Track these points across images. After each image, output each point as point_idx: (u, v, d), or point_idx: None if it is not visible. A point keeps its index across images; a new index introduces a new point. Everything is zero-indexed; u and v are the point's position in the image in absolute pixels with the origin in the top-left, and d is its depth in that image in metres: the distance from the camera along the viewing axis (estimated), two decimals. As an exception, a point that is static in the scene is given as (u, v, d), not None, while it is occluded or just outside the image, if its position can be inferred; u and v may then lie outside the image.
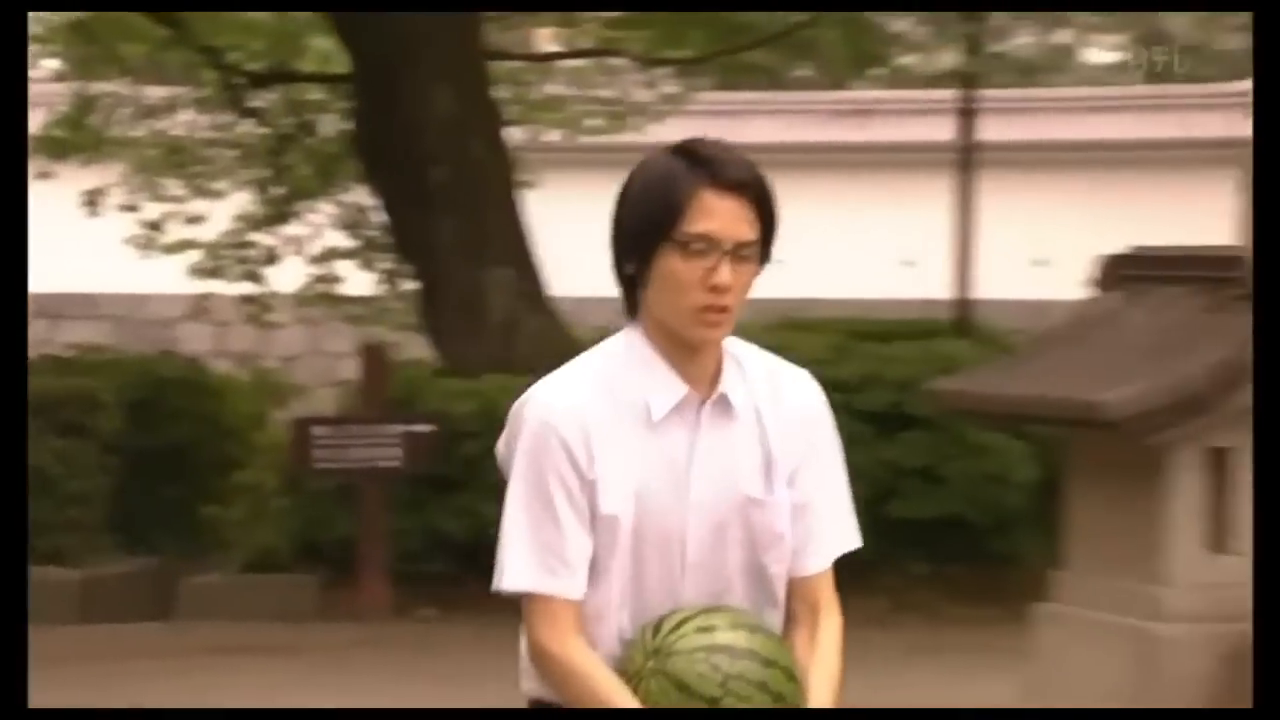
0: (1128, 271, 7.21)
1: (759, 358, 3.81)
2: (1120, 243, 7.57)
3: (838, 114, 27.64)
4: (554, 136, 18.35)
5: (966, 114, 18.41)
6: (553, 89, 17.83)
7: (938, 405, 9.90)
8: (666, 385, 3.67)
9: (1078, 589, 7.17)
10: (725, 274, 3.58)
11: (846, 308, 18.56)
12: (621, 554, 3.65)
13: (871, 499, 13.13)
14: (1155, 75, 33.34)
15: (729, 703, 3.50)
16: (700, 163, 3.63)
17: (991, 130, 20.27)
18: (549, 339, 14.60)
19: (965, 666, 10.22)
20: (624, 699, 3.56)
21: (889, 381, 13.07)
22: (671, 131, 23.52)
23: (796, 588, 3.79)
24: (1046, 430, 9.49)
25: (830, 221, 26.07)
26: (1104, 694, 6.80)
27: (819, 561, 3.81)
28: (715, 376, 3.71)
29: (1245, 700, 5.31)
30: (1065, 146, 26.59)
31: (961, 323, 17.17)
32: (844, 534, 3.87)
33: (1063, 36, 30.48)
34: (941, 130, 21.20)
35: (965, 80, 18.56)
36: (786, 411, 3.78)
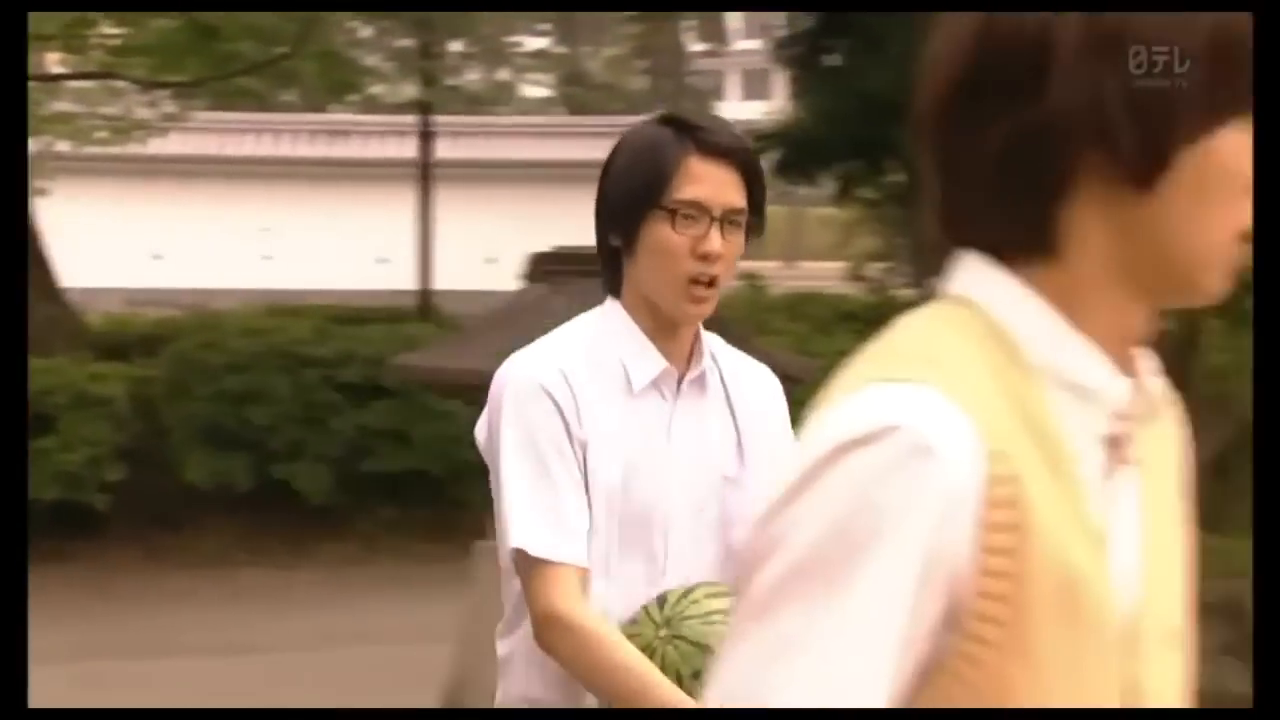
0: (552, 266, 7.23)
1: (727, 348, 3.27)
2: (551, 243, 7.62)
3: (317, 133, 27.77)
4: (64, 147, 17.69)
5: (425, 135, 18.66)
6: (61, 106, 17.15)
7: (402, 377, 9.93)
8: (646, 357, 3.11)
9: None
10: (715, 241, 3.01)
11: (328, 296, 18.37)
12: (610, 523, 3.07)
13: (348, 457, 13.12)
14: (577, 107, 34.28)
15: None
16: (687, 130, 3.09)
17: (448, 150, 20.51)
18: (60, 324, 14.21)
19: (426, 595, 10.25)
20: (646, 665, 2.95)
21: (363, 358, 12.93)
22: (173, 145, 22.95)
23: None
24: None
25: (314, 225, 26.28)
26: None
27: None
28: (692, 355, 3.16)
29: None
30: (509, 164, 27.47)
31: (424, 309, 17.25)
32: None
33: (504, 74, 30.95)
34: (406, 149, 21.34)
35: (424, 108, 18.73)
36: (753, 399, 3.24)
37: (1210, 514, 9.07)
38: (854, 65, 13.00)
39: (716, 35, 46.71)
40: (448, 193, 20.62)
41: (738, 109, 45.17)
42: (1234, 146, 1.57)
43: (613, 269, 3.14)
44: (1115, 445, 1.61)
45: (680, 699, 2.87)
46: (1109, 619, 1.56)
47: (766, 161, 15.93)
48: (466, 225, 23.50)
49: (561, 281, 7.22)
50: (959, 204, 1.62)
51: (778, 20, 15.19)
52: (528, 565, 3.03)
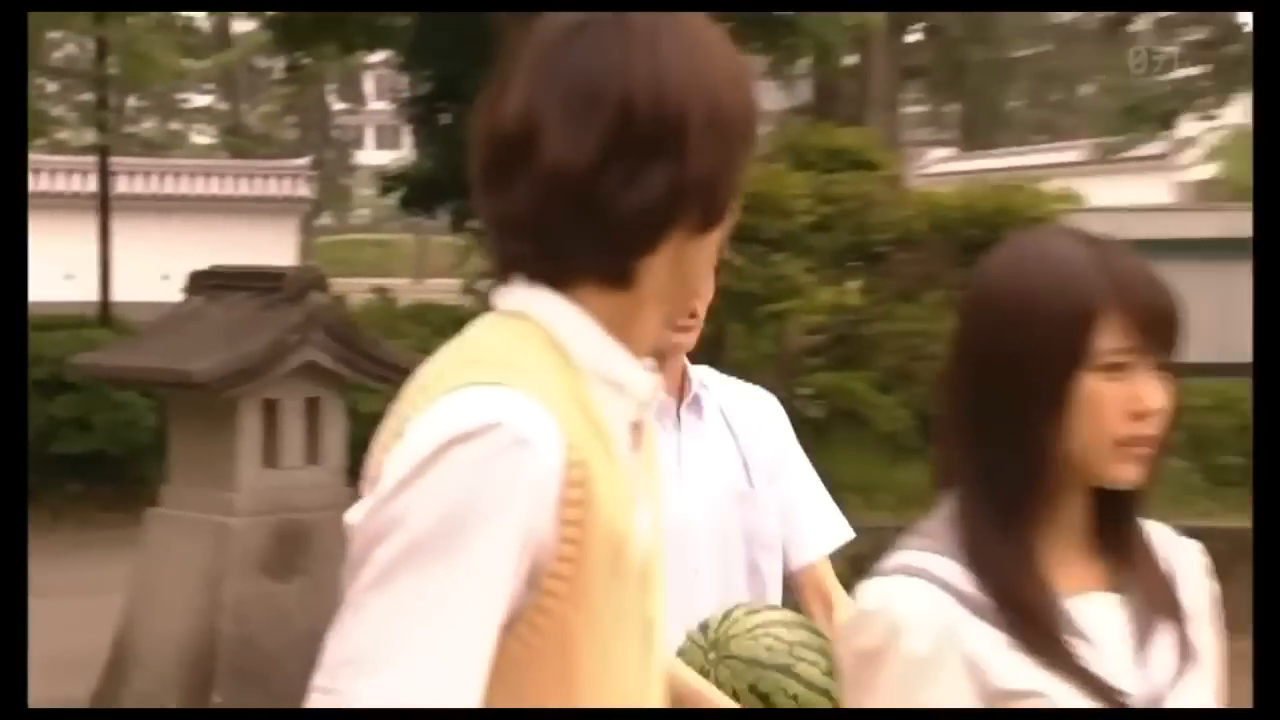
0: (208, 282, 7.33)
1: (712, 372, 2.96)
2: (212, 263, 7.67)
3: (14, 171, 26.94)
4: None
5: (104, 173, 18.30)
6: None
7: (84, 374, 9.90)
8: None
9: (176, 497, 7.14)
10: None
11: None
12: None
13: (37, 442, 12.89)
14: (237, 152, 34.13)
15: (801, 668, 2.57)
16: None
17: (128, 185, 20.22)
18: None
19: (106, 558, 10.08)
20: (704, 685, 2.60)
21: (50, 358, 12.77)
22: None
23: (805, 580, 2.90)
24: (160, 389, 9.50)
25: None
26: (194, 571, 6.77)
27: (816, 549, 2.92)
28: (682, 384, 2.85)
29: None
30: (181, 198, 26.93)
31: (104, 317, 16.97)
32: (834, 526, 2.98)
33: (176, 124, 30.73)
34: (90, 184, 20.98)
35: (103, 150, 18.45)
36: (750, 417, 2.92)
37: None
38: (462, 121, 13.32)
39: (355, 96, 46.53)
40: (130, 220, 20.40)
41: (372, 156, 45.26)
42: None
43: None
44: (637, 428, 1.64)
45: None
46: (636, 567, 1.58)
47: (395, 198, 16.28)
48: (145, 247, 23.15)
49: (217, 295, 7.35)
50: (560, 240, 1.58)
51: (402, 84, 15.34)
52: None
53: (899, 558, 1.83)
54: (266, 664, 6.68)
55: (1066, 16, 34.50)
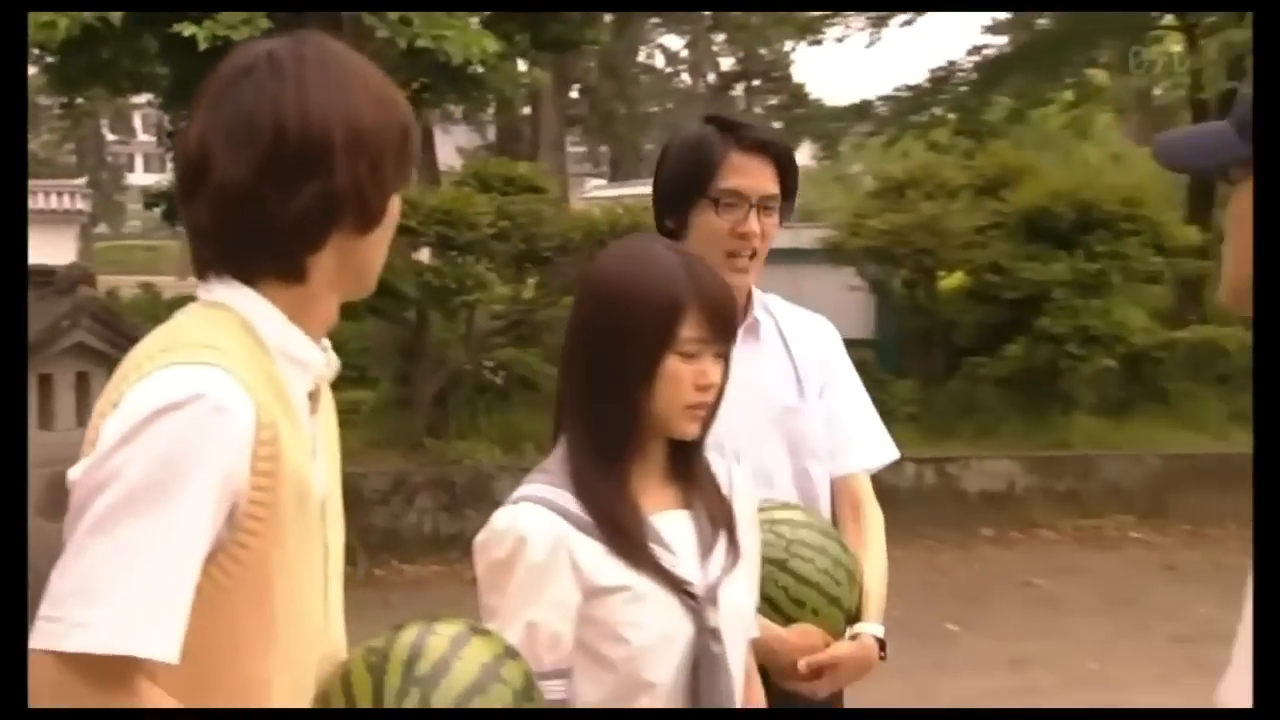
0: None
1: (784, 302, 2.64)
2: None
3: None
4: None
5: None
6: None
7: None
8: None
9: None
10: (753, 223, 2.42)
11: None
12: None
13: None
14: (27, 172, 31.96)
15: (794, 564, 2.28)
16: (728, 128, 2.45)
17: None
18: None
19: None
20: None
21: None
22: None
23: (839, 489, 2.57)
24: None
25: None
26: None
27: (855, 462, 2.58)
28: (744, 312, 2.50)
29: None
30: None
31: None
32: (878, 445, 2.63)
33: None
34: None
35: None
36: (808, 340, 2.59)
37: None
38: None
39: (126, 130, 44.51)
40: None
41: (140, 178, 43.20)
42: (397, 201, 1.61)
43: None
44: (313, 396, 1.62)
45: None
46: (315, 504, 1.57)
47: (159, 212, 15.46)
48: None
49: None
50: (237, 245, 1.54)
51: (165, 120, 14.59)
52: None
53: (523, 489, 1.90)
54: (38, 582, 6.28)
55: (686, 81, 35.33)
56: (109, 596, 1.38)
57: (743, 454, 2.37)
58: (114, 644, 1.37)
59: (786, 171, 2.44)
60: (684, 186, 2.43)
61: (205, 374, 1.45)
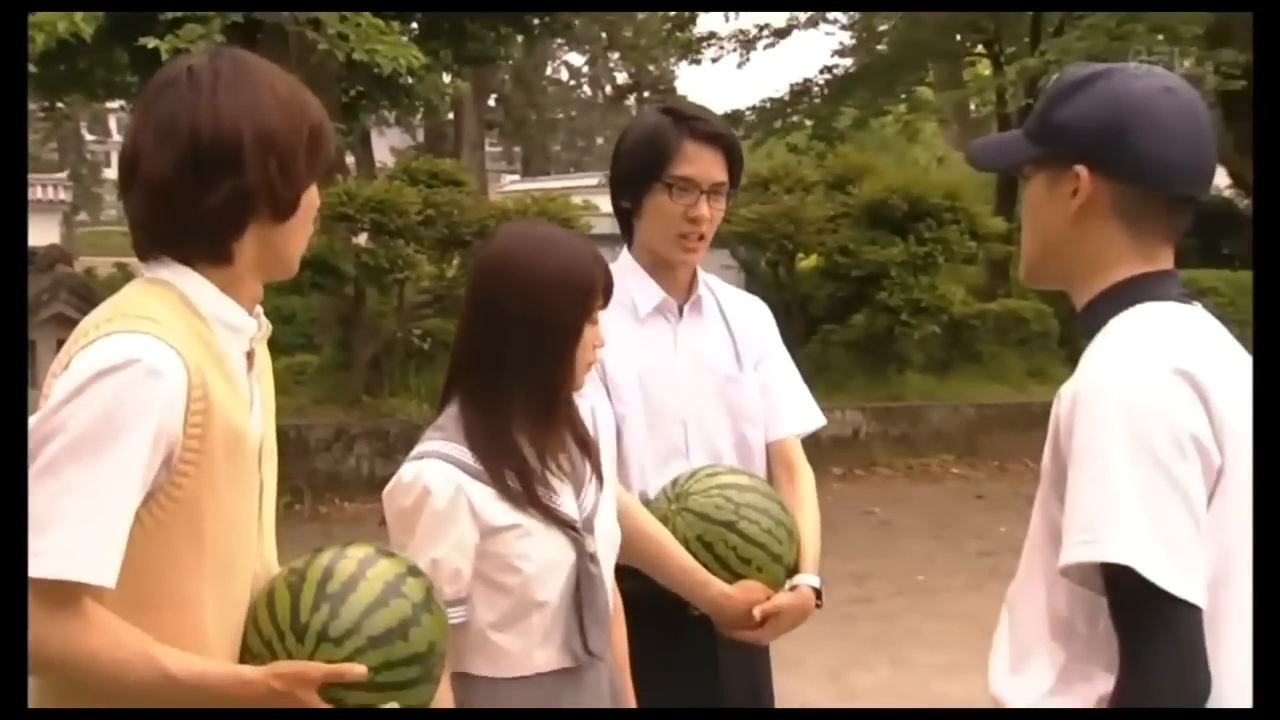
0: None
1: (722, 284, 2.45)
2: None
3: None
4: None
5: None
6: None
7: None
8: (648, 291, 2.29)
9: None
10: (703, 208, 2.23)
11: None
12: (636, 421, 2.23)
13: None
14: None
15: (743, 525, 2.13)
16: (683, 119, 2.25)
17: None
18: None
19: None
20: (661, 532, 2.13)
21: None
22: None
23: (774, 452, 2.36)
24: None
25: None
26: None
27: (788, 427, 2.37)
28: (690, 289, 2.34)
29: None
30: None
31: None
32: (807, 412, 2.42)
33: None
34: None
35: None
36: (744, 316, 2.40)
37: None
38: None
39: (103, 130, 42.89)
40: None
41: (115, 173, 41.35)
42: (313, 194, 1.58)
43: (625, 225, 2.34)
44: (249, 357, 1.59)
45: (684, 559, 2.12)
46: (250, 448, 1.54)
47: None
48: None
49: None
50: (165, 231, 1.52)
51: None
52: None
53: (424, 446, 1.85)
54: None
55: (586, 92, 35.02)
56: (55, 530, 1.36)
57: (689, 421, 2.26)
58: (59, 570, 1.37)
59: (734, 161, 2.27)
60: (640, 171, 2.25)
61: (141, 341, 1.43)
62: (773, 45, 15.20)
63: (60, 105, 14.34)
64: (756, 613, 2.11)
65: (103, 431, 1.39)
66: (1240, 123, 11.77)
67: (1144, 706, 1.31)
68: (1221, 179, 15.87)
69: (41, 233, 22.46)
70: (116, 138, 42.81)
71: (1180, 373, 1.38)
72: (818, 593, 2.22)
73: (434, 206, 8.91)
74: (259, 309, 1.61)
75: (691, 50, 16.22)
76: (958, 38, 14.21)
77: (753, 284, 10.97)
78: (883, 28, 14.95)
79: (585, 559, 1.88)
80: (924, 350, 10.30)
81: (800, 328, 10.40)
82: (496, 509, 1.83)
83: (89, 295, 6.73)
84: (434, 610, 1.60)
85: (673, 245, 2.24)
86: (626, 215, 2.31)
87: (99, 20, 7.65)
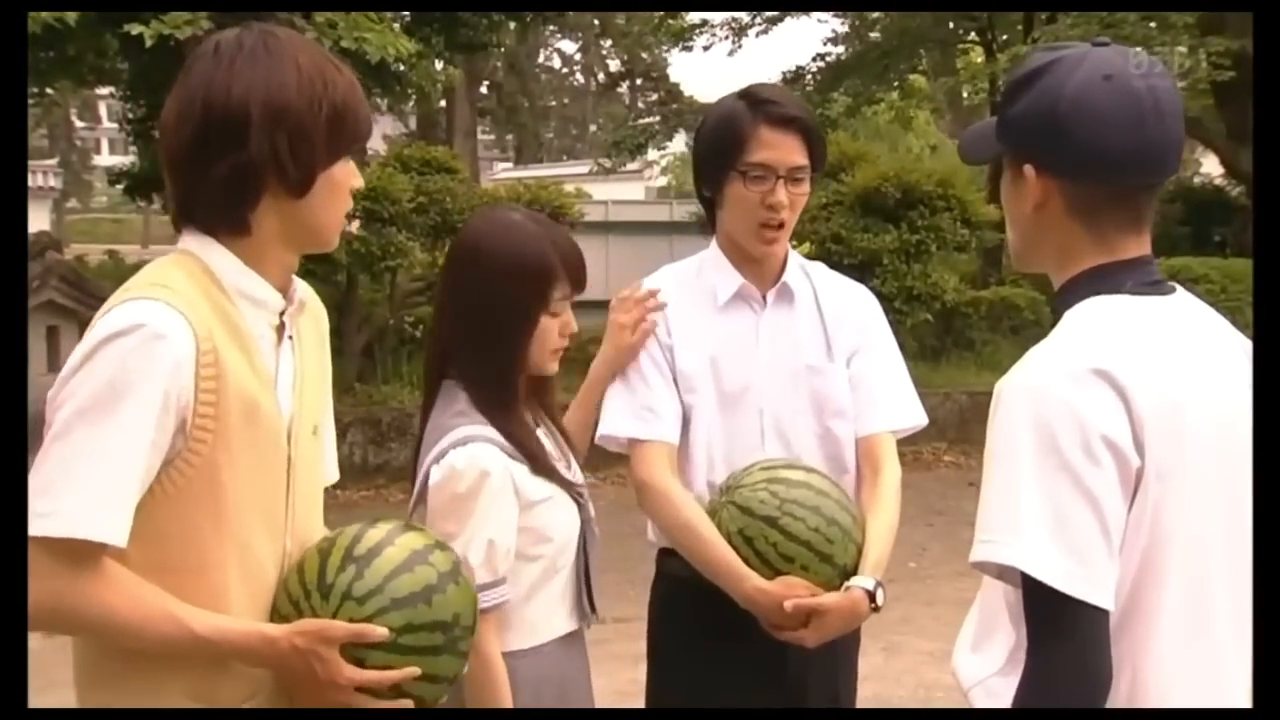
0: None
1: (826, 270, 2.34)
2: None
3: None
4: None
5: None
6: None
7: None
8: (727, 279, 2.22)
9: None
10: (781, 195, 2.15)
11: None
12: (708, 410, 2.18)
13: None
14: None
15: (785, 522, 2.03)
16: (758, 104, 2.17)
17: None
18: None
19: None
20: (705, 524, 2.08)
21: None
22: None
23: (862, 448, 2.22)
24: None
25: None
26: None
27: (875, 424, 2.22)
28: (778, 276, 2.25)
29: None
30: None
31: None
32: (904, 409, 2.27)
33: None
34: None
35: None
36: (843, 306, 2.27)
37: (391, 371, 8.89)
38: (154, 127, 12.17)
39: (93, 116, 42.62)
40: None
41: (106, 160, 41.32)
42: (344, 170, 1.57)
43: (709, 213, 2.28)
44: (279, 330, 1.59)
45: (722, 552, 2.05)
46: (270, 420, 1.54)
47: (122, 189, 14.82)
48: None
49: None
50: (184, 201, 1.54)
51: (126, 109, 13.92)
52: (628, 445, 2.20)
53: (464, 430, 1.88)
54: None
55: (579, 79, 34.91)
56: (65, 491, 1.39)
57: (765, 410, 2.18)
58: (71, 528, 1.39)
59: (814, 144, 2.18)
60: (716, 160, 2.19)
61: (148, 307, 1.45)
62: (765, 32, 15.16)
63: (49, 91, 14.23)
64: (787, 606, 2.01)
65: (108, 394, 1.41)
66: (1231, 110, 11.76)
67: (1043, 697, 1.31)
68: (1213, 167, 15.84)
69: (31, 220, 22.37)
70: (107, 124, 42.64)
71: (1098, 373, 1.35)
72: (872, 596, 2.07)
73: (426, 194, 8.89)
74: (304, 284, 1.64)
75: (684, 38, 16.17)
76: (950, 25, 14.17)
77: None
78: (875, 15, 14.91)
79: (589, 523, 2.01)
80: (916, 338, 10.30)
81: (792, 315, 10.38)
82: (532, 484, 1.91)
83: (79, 282, 6.69)
84: (460, 583, 1.62)
85: (752, 236, 2.19)
86: (709, 205, 2.25)
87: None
